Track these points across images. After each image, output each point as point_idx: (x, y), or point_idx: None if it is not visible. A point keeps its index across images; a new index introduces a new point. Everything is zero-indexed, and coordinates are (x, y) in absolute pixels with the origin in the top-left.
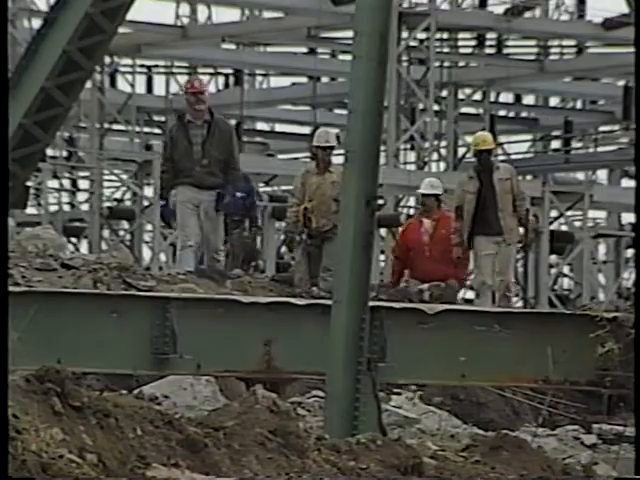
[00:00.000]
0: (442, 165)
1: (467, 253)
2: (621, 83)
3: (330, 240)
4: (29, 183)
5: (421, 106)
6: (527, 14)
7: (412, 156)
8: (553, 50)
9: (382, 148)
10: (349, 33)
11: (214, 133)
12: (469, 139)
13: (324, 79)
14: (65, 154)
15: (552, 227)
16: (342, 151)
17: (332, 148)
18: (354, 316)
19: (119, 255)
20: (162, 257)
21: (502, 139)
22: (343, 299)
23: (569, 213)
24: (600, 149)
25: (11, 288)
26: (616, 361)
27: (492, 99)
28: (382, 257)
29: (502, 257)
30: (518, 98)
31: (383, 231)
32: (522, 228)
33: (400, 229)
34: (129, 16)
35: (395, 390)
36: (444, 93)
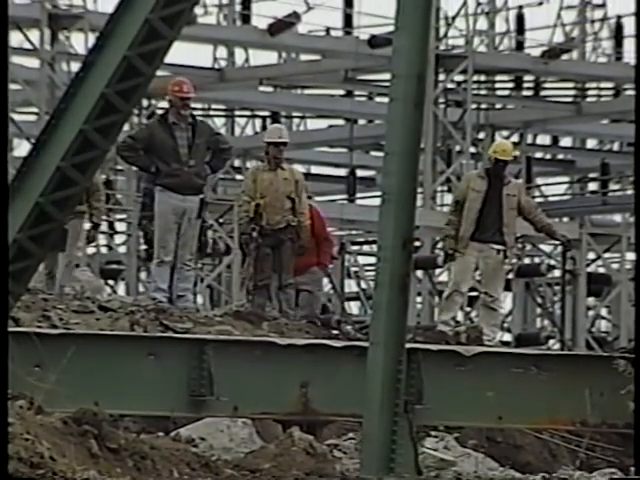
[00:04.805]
0: None
1: (327, 241)
2: None
3: (285, 245)
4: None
5: (458, 148)
6: (564, 56)
7: (449, 198)
8: (590, 92)
9: (419, 190)
10: (386, 75)
11: (199, 136)
12: None
13: (361, 121)
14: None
15: (589, 269)
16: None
17: (284, 145)
18: (391, 358)
19: None
20: (199, 299)
21: (539, 181)
22: (380, 341)
23: (607, 255)
24: None
25: (49, 330)
26: None
27: (529, 141)
28: (419, 299)
29: (489, 269)
30: (555, 140)
31: (420, 273)
32: (550, 237)
33: None
34: (166, 59)
35: (431, 432)
36: (481, 135)
